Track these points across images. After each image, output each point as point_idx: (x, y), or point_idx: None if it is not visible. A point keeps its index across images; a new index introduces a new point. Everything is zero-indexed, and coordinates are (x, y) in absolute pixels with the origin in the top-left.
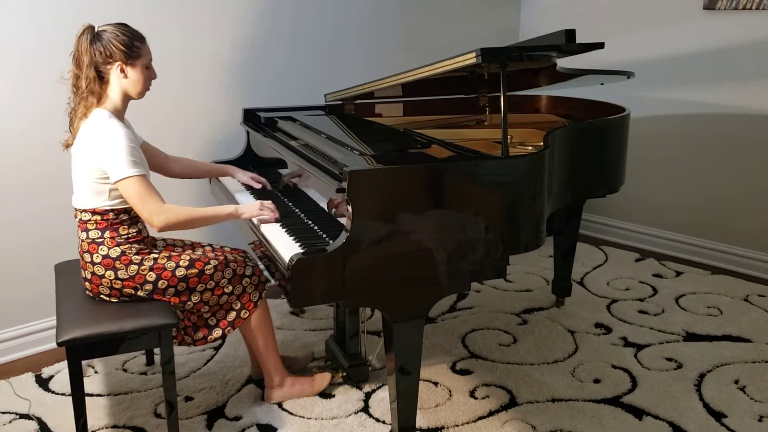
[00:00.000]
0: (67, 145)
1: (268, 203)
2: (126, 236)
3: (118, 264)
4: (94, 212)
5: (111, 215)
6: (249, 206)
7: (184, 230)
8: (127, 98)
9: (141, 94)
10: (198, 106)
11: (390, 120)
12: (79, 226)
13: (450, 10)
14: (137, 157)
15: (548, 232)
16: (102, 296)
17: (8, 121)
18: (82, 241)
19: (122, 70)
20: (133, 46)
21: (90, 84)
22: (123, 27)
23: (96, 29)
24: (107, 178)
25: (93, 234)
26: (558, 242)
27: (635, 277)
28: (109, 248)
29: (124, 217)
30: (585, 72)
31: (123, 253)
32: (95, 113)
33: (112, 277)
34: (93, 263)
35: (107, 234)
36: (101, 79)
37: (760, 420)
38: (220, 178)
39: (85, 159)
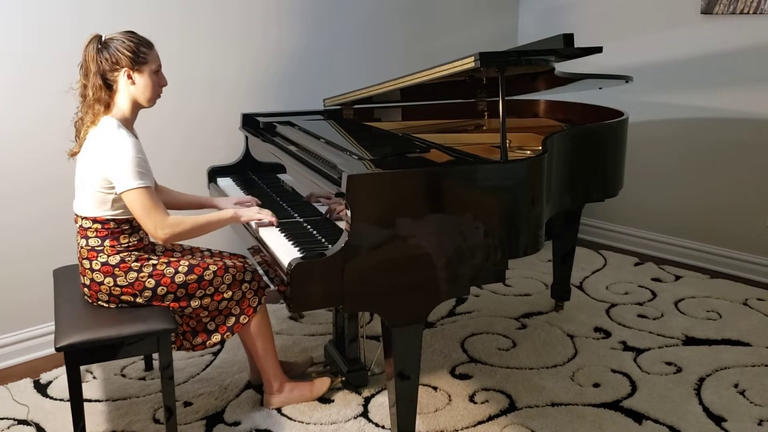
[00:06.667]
0: (73, 154)
1: (266, 211)
2: (126, 245)
3: (117, 271)
4: (95, 220)
5: (112, 224)
6: (247, 209)
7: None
8: (136, 106)
9: (151, 101)
10: (197, 110)
11: (389, 125)
12: (78, 232)
13: (449, 16)
14: (144, 169)
15: (547, 237)
16: (101, 302)
17: (7, 126)
18: (82, 247)
19: (129, 77)
20: (139, 51)
21: (97, 92)
22: (130, 34)
23: (103, 38)
24: (112, 188)
25: (93, 242)
26: (557, 246)
27: (634, 282)
28: (108, 256)
29: (125, 227)
30: (583, 76)
31: (122, 260)
32: (104, 121)
33: (111, 284)
34: (92, 270)
35: (107, 242)
36: (109, 87)
37: (759, 424)
38: (220, 185)
39: (91, 167)
